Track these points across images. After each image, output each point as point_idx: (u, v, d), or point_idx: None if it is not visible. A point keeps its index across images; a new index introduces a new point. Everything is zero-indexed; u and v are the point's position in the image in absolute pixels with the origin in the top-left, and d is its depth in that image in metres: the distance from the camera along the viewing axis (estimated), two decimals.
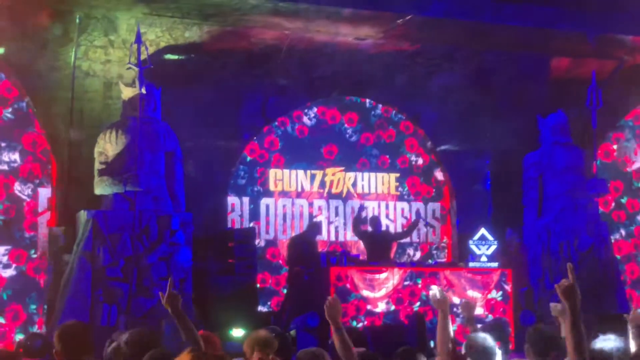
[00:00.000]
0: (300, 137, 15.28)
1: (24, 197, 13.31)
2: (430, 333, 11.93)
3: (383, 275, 13.29)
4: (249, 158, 14.97)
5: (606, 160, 16.68)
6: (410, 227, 15.18)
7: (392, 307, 13.23)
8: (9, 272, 13.10)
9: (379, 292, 13.20)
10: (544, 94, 15.53)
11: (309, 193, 15.31)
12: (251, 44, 13.93)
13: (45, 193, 13.37)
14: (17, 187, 13.29)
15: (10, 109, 13.33)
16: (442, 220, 16.00)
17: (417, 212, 15.68)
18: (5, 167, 13.26)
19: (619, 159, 16.94)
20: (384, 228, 14.85)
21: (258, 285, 14.29)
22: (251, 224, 14.79)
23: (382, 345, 10.92)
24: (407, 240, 15.58)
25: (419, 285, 13.39)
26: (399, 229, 15.53)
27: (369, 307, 13.11)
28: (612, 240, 15.95)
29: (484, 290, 13.66)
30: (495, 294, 13.75)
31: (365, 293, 13.12)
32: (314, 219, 14.97)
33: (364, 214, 14.75)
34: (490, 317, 13.59)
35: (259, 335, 5.86)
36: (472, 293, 13.53)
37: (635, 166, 16.93)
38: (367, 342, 10.95)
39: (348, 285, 13.01)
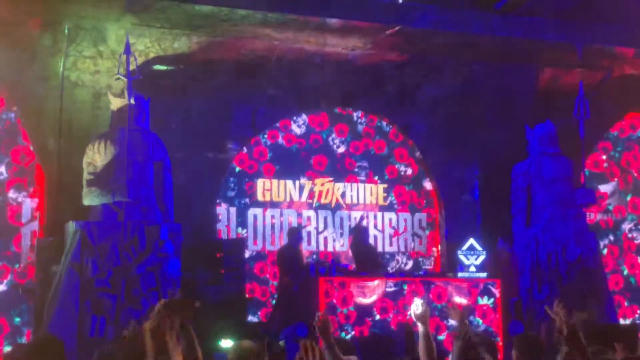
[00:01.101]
0: (288, 145, 15.30)
1: (13, 206, 13.28)
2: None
3: (375, 283, 13.31)
4: (238, 168, 14.97)
5: (594, 170, 16.76)
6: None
7: (377, 317, 13.24)
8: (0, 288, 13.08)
9: (371, 297, 13.20)
10: (532, 105, 15.61)
11: (297, 203, 15.32)
12: (240, 55, 13.95)
13: (29, 204, 13.34)
14: (4, 199, 13.25)
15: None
16: (430, 230, 16.03)
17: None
18: None
19: (608, 170, 17.04)
20: (372, 239, 14.91)
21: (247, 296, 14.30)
22: (242, 232, 14.79)
23: (371, 355, 10.93)
24: (395, 249, 15.63)
25: (404, 294, 13.40)
26: (387, 240, 15.58)
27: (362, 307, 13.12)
28: (605, 249, 16.11)
29: (470, 297, 13.68)
30: (486, 300, 13.78)
31: (358, 300, 13.13)
32: (292, 227, 14.87)
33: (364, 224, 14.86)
34: (481, 322, 13.61)
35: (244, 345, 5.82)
36: (459, 300, 13.55)
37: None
38: (357, 352, 10.94)
39: (335, 301, 13.02)
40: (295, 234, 14.35)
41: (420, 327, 5.77)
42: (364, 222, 14.93)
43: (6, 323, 12.99)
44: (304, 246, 14.77)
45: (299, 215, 15.29)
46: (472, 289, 13.76)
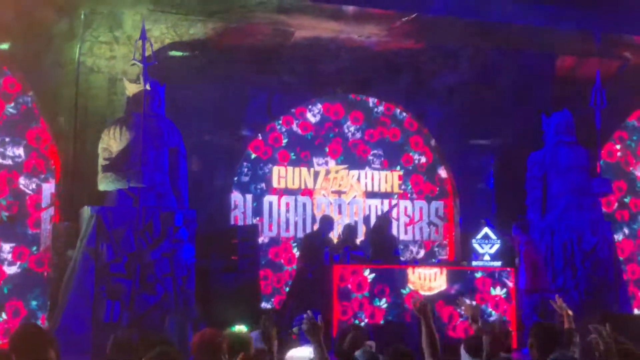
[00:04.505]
0: (303, 133, 15.29)
1: (28, 192, 13.35)
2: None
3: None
4: (253, 155, 14.98)
5: (610, 160, 16.67)
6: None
7: (406, 306, 13.25)
8: (14, 270, 13.15)
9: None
10: (549, 93, 15.53)
11: (312, 190, 15.33)
12: (256, 41, 13.93)
13: (48, 188, 13.40)
14: (21, 182, 13.32)
15: (13, 104, 13.35)
16: (445, 218, 16.00)
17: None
18: (9, 162, 13.29)
19: (622, 159, 16.95)
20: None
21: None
22: (255, 221, 14.81)
23: (384, 342, 10.92)
24: (410, 238, 15.60)
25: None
26: (402, 228, 15.56)
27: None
28: (615, 240, 16.00)
29: (484, 286, 13.66)
30: (499, 291, 13.73)
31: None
32: (325, 214, 14.79)
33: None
34: (494, 313, 13.58)
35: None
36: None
37: None
38: (369, 338, 10.93)
39: (350, 286, 13.02)
40: (326, 222, 14.23)
41: (422, 320, 5.74)
42: (393, 212, 14.90)
43: (22, 306, 13.07)
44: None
45: (313, 202, 15.28)
46: (485, 279, 13.73)
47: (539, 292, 14.15)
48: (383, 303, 13.20)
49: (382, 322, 13.08)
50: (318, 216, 14.96)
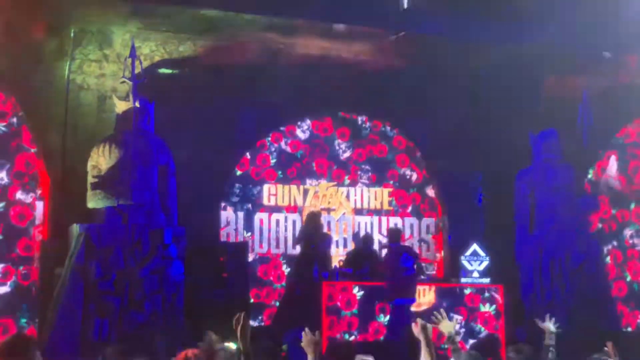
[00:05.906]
0: (293, 151, 15.33)
1: (17, 210, 13.30)
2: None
3: None
4: (242, 172, 15.00)
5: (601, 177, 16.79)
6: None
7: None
8: (3, 289, 13.11)
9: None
10: (536, 111, 15.59)
11: (302, 208, 15.35)
12: (245, 59, 13.97)
13: (41, 206, 13.35)
14: (10, 201, 13.26)
15: (4, 123, 13.33)
16: (436, 231, 16.05)
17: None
18: None
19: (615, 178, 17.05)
20: (376, 244, 14.90)
21: (252, 300, 14.31)
22: (246, 235, 14.82)
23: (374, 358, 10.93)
24: None
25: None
26: None
27: None
28: (608, 257, 16.10)
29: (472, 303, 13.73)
30: (488, 307, 13.79)
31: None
32: (324, 232, 14.75)
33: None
34: (484, 329, 13.62)
35: None
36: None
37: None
38: (359, 352, 10.93)
39: (339, 304, 13.04)
40: (324, 239, 14.22)
41: (422, 341, 5.75)
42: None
43: (12, 323, 13.02)
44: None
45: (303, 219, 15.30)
46: (474, 295, 13.78)
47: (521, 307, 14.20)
48: (373, 319, 13.23)
49: (373, 339, 13.11)
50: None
